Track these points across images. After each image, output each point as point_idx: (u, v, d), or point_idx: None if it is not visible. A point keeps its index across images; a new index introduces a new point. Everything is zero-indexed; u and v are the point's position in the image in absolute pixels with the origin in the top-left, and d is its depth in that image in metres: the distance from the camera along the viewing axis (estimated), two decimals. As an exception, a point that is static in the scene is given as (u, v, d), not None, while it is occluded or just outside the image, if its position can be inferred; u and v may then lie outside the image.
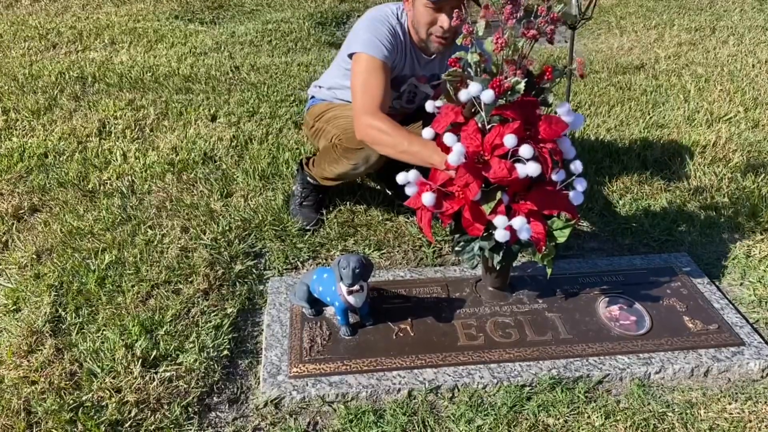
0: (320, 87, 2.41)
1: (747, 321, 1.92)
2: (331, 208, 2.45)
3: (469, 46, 1.61)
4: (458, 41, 1.64)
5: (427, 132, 1.74)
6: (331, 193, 2.50)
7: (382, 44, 2.02)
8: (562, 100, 1.92)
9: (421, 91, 2.27)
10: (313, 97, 2.46)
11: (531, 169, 1.58)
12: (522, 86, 1.59)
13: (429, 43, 2.06)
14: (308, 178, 2.41)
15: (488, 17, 1.60)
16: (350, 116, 2.08)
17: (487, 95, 1.57)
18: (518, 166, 1.59)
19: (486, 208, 1.66)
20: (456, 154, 1.59)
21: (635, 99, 3.48)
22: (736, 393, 1.71)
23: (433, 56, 2.15)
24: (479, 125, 1.64)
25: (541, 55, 4.10)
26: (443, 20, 1.96)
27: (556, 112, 1.70)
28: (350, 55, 2.07)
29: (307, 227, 2.34)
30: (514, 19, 1.56)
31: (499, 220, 1.64)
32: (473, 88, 1.58)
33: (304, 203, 2.42)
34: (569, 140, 1.72)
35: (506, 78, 1.59)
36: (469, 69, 1.65)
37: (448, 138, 1.63)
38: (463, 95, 1.61)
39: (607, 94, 3.54)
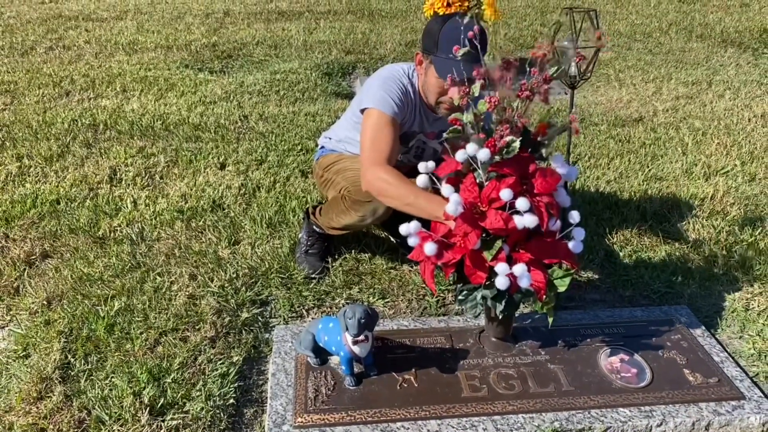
0: (330, 138, 2.49)
1: (747, 375, 1.94)
2: (336, 257, 2.50)
3: (466, 106, 1.69)
4: (455, 101, 1.71)
5: (422, 180, 1.76)
6: (337, 242, 2.55)
7: (393, 101, 2.10)
8: (562, 152, 1.98)
9: (429, 147, 2.34)
10: (322, 147, 2.53)
11: (527, 221, 1.63)
12: (517, 145, 1.66)
13: (438, 109, 2.14)
14: (314, 227, 2.47)
15: (481, 77, 1.68)
16: (359, 168, 2.14)
17: (483, 154, 1.64)
18: (515, 217, 1.65)
19: (487, 255, 1.70)
20: (453, 204, 1.65)
21: (634, 151, 3.56)
22: (738, 447, 1.73)
23: (441, 115, 2.22)
24: (477, 181, 1.71)
25: (541, 108, 4.20)
26: (453, 92, 2.00)
27: (550, 165, 1.76)
28: (362, 111, 2.15)
29: (313, 275, 2.38)
30: (508, 81, 1.63)
31: (501, 267, 1.68)
32: (470, 148, 1.65)
33: (309, 251, 2.46)
34: (564, 191, 1.78)
35: (501, 137, 1.65)
36: (469, 128, 1.72)
37: (446, 189, 1.70)
38: (460, 155, 1.68)
39: (606, 146, 3.62)
